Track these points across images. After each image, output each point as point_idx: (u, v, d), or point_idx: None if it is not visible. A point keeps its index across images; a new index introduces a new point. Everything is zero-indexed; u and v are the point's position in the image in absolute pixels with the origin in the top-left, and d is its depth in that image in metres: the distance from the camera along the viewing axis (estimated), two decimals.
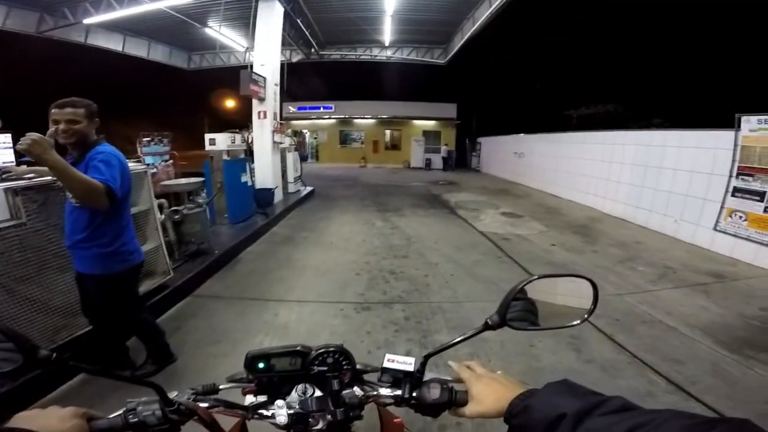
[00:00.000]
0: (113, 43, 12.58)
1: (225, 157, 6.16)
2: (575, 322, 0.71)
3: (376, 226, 6.85)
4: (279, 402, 0.69)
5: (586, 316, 0.71)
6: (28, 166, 2.50)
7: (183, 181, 4.57)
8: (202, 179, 5.10)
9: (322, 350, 0.73)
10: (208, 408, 0.68)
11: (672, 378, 2.49)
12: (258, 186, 7.28)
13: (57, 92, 1.94)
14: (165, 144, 6.24)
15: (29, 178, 2.28)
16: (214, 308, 3.51)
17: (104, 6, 9.02)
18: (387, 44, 15.02)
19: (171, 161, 5.91)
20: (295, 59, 14.79)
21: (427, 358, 0.70)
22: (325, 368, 0.72)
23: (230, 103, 22.75)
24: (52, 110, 1.85)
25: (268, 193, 7.54)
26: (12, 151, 2.50)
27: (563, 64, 19.62)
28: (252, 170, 6.95)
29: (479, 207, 8.86)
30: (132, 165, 3.35)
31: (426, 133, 21.72)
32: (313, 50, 14.74)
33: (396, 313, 3.46)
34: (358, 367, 0.76)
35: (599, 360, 2.73)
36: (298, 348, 0.73)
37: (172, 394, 0.66)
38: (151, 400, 0.64)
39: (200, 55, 16.35)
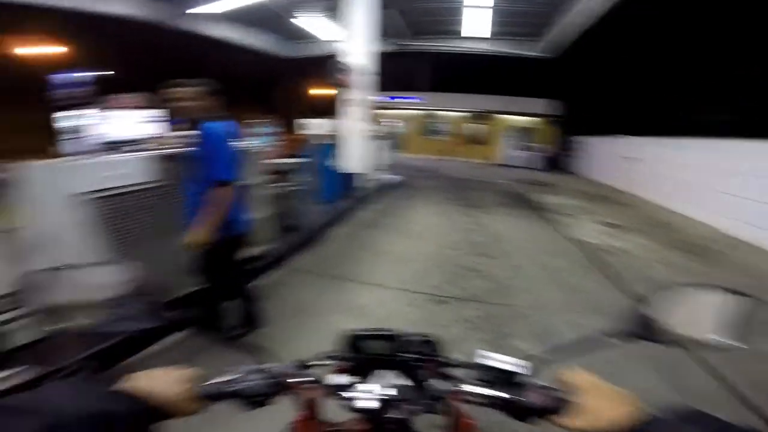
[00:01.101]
0: (228, 32, 13.99)
1: (318, 141, 6.59)
2: (725, 342, 0.60)
3: (459, 220, 6.73)
4: (364, 385, 0.67)
5: (736, 338, 0.59)
6: (168, 137, 2.95)
7: (286, 160, 5.01)
8: (301, 160, 5.53)
9: (413, 337, 0.71)
10: (301, 383, 0.69)
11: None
12: (347, 171, 7.63)
13: (177, 76, 2.21)
14: (276, 126, 6.91)
15: (164, 148, 2.70)
16: (300, 281, 3.78)
17: None
18: (483, 36, 14.45)
19: (279, 142, 6.52)
20: (386, 49, 14.98)
21: (530, 360, 0.66)
22: (413, 356, 0.70)
23: (323, 90, 23.97)
24: (170, 89, 2.15)
25: (357, 178, 7.88)
26: (159, 124, 2.93)
27: (690, 62, 16.73)
28: (341, 155, 7.30)
29: (573, 212, 8.14)
30: (246, 143, 3.73)
31: (517, 130, 20.50)
32: (404, 40, 14.77)
33: (472, 310, 3.38)
34: (446, 360, 0.73)
35: (695, 390, 2.36)
36: (392, 332, 0.71)
37: (271, 365, 0.68)
38: (257, 368, 0.66)
39: (296, 43, 17.38)
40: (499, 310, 3.40)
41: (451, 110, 21.72)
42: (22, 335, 2.35)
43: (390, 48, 15.23)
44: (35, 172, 2.51)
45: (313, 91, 24.62)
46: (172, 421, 0.57)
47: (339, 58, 7.83)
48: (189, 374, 0.62)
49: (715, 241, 6.26)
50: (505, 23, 13.04)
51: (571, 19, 11.19)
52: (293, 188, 4.63)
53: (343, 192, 7.14)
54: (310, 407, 0.75)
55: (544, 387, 0.63)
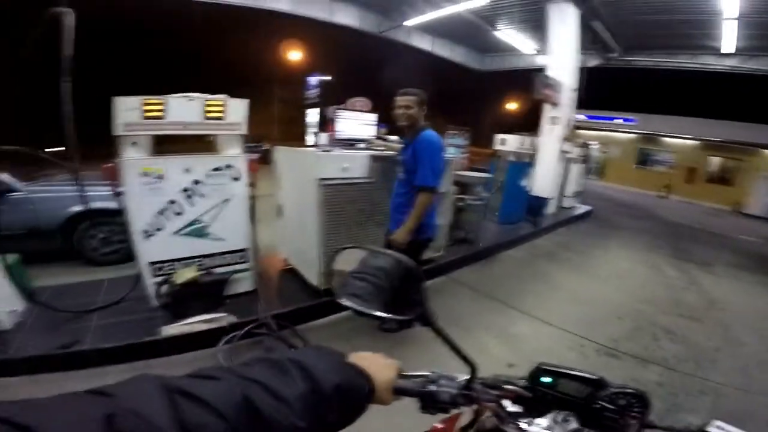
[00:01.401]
0: (425, 44, 14.80)
1: (511, 158, 6.40)
2: None
3: (666, 274, 5.41)
4: (543, 421, 0.65)
5: None
6: (381, 140, 3.43)
7: (472, 173, 5.11)
8: (487, 175, 5.53)
9: (620, 389, 0.66)
10: (487, 401, 0.69)
11: None
12: (534, 193, 7.16)
13: (388, 83, 2.46)
14: (465, 138, 7.12)
15: (381, 150, 3.15)
16: (460, 294, 3.80)
17: (419, 9, 10.77)
18: (727, 51, 11.04)
19: (466, 155, 6.71)
20: (591, 64, 13.20)
21: None
22: (613, 407, 0.65)
23: (516, 106, 23.04)
24: (397, 97, 2.39)
25: (543, 202, 7.31)
26: (375, 127, 3.44)
27: None
28: (532, 176, 6.89)
29: None
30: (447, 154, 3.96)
31: None
32: (613, 55, 12.71)
33: (648, 374, 2.78)
34: (652, 421, 0.66)
35: None
36: (596, 377, 0.67)
37: (457, 375, 0.69)
38: (453, 377, 0.68)
39: (492, 57, 17.05)
40: (685, 382, 2.70)
41: (678, 137, 17.45)
42: (236, 286, 3.10)
43: (598, 63, 13.46)
44: (287, 155, 3.36)
45: (508, 106, 24.10)
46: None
47: (538, 73, 7.38)
48: (396, 365, 0.65)
49: None
50: (758, 36, 9.68)
51: None
52: (474, 202, 4.68)
53: (525, 215, 6.75)
54: (475, 424, 0.74)
55: None
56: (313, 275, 3.21)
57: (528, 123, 8.83)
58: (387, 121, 3.24)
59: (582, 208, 9.16)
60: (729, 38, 10.27)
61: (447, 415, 0.73)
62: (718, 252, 7.42)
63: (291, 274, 3.65)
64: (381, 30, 12.94)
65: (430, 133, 2.43)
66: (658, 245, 7.20)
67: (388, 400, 0.63)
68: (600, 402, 0.66)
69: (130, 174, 2.62)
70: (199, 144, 3.02)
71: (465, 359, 0.68)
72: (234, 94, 2.90)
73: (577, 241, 6.71)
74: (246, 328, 2.67)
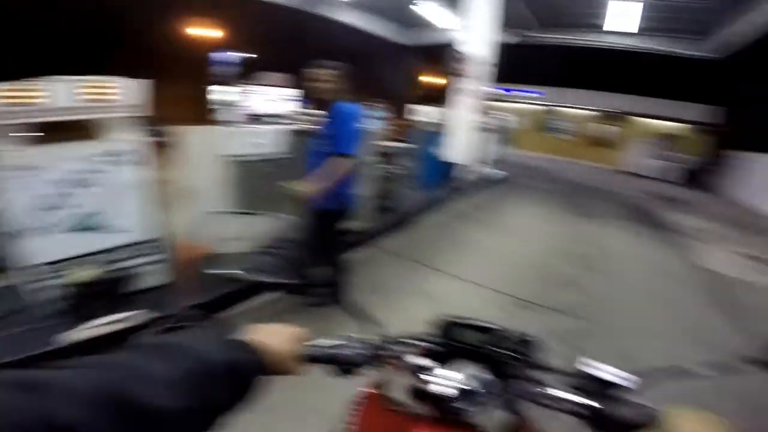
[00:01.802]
0: (352, 18, 14.60)
1: (427, 128, 6.71)
2: None
3: (567, 227, 6.24)
4: (451, 372, 0.66)
5: None
6: (300, 115, 3.35)
7: (394, 144, 5.25)
8: (409, 145, 5.73)
9: (511, 333, 0.70)
10: (390, 358, 0.71)
11: None
12: (451, 161, 7.61)
13: (306, 59, 2.44)
14: (388, 110, 7.24)
15: (299, 124, 3.09)
16: (384, 262, 3.96)
17: None
18: (627, 31, 12.66)
19: (388, 126, 6.84)
20: (508, 40, 14.13)
21: (643, 377, 0.62)
22: (509, 353, 0.69)
23: (437, 79, 23.76)
24: (313, 70, 2.38)
25: (460, 169, 7.83)
26: (295, 102, 3.35)
27: None
28: (448, 145, 7.29)
29: (711, 239, 6.80)
30: (365, 125, 4.00)
31: (657, 136, 17.57)
32: (528, 32, 13.72)
33: (558, 323, 3.20)
34: (542, 363, 0.71)
35: None
36: (490, 325, 0.71)
37: (365, 336, 0.69)
38: (360, 338, 0.68)
39: (416, 31, 17.42)
40: (589, 328, 3.16)
41: (577, 108, 19.63)
42: (146, 280, 2.89)
43: (511, 39, 14.36)
44: (192, 136, 3.13)
45: (427, 79, 24.68)
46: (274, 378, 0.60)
47: (455, 47, 7.70)
48: (299, 333, 0.64)
49: None
50: (659, 18, 11.22)
51: (752, 16, 9.07)
52: (395, 172, 4.85)
53: (443, 181, 7.17)
54: (385, 383, 0.76)
55: (637, 403, 0.59)
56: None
57: (449, 95, 9.21)
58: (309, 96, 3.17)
59: (498, 174, 9.97)
60: (630, 19, 11.59)
61: (364, 382, 0.75)
62: (607, 205, 8.72)
63: (206, 259, 3.47)
64: (305, 5, 12.37)
65: (349, 104, 2.47)
66: (560, 202, 8.25)
67: (297, 369, 0.62)
68: (500, 349, 0.70)
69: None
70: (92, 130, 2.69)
71: (370, 320, 0.69)
72: (140, 73, 2.61)
73: (491, 202, 7.37)
74: (163, 325, 2.50)
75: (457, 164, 7.81)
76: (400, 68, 23.84)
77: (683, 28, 11.94)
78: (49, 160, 2.41)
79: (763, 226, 8.96)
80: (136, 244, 2.83)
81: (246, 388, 0.51)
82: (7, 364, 2.16)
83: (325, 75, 2.37)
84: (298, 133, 3.01)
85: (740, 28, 10.26)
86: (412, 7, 12.17)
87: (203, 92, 5.26)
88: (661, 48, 13.23)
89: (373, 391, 0.76)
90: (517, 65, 15.92)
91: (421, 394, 0.67)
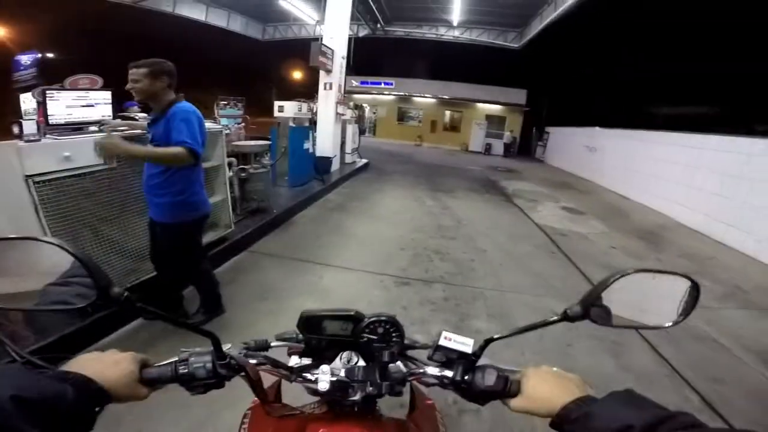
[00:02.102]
0: (197, 13, 13.40)
1: (291, 124, 6.50)
2: (666, 324, 0.63)
3: (427, 204, 6.85)
4: (324, 367, 0.66)
5: (679, 318, 0.62)
6: (122, 120, 2.84)
7: (252, 142, 4.87)
8: (268, 142, 5.41)
9: (374, 318, 0.70)
10: (256, 365, 0.67)
11: (707, 396, 2.35)
12: (318, 154, 7.55)
13: (145, 57, 2.11)
14: (239, 108, 6.68)
15: (122, 130, 2.59)
16: (266, 265, 3.75)
17: None
18: (455, 24, 14.55)
19: (243, 124, 6.33)
20: (361, 34, 14.79)
21: (487, 342, 0.65)
22: (375, 338, 0.70)
23: (298, 74, 23.42)
24: (130, 70, 2.05)
25: (327, 161, 7.84)
26: (110, 106, 2.80)
27: (653, 56, 17.56)
28: (314, 138, 7.22)
29: (538, 198, 8.48)
30: (208, 125, 3.63)
31: (489, 118, 20.95)
32: (378, 25, 14.60)
33: (435, 292, 3.49)
34: (407, 341, 0.73)
35: (637, 369, 2.60)
36: (352, 313, 0.70)
37: (225, 347, 0.64)
38: (204, 351, 0.63)
39: (274, 26, 16.93)
40: (461, 292, 3.53)
41: (424, 96, 21.81)
42: None
43: (363, 33, 15.01)
44: None
45: (292, 75, 23.99)
46: (120, 405, 0.56)
47: (315, 42, 7.65)
48: (134, 358, 0.59)
49: (667, 228, 6.70)
50: (481, 12, 13.15)
51: (548, 11, 11.41)
52: (259, 171, 4.54)
53: (311, 175, 7.09)
54: (269, 390, 0.73)
55: (496, 369, 0.63)
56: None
57: (310, 90, 9.09)
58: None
59: (361, 162, 10.34)
60: (456, 12, 13.07)
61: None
62: (457, 180, 9.95)
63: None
64: (136, 1, 10.41)
65: (184, 104, 2.16)
66: (418, 183, 9.05)
67: (139, 394, 0.58)
68: (364, 335, 0.69)
69: None
70: None
71: (200, 332, 0.62)
72: None
73: (359, 190, 7.60)
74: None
75: (324, 157, 7.82)
76: (263, 65, 22.54)
77: (499, 22, 14.17)
78: None
79: (568, 182, 11.57)
80: None
81: (65, 419, 0.46)
82: None
83: (137, 75, 2.04)
84: (128, 140, 2.53)
85: (535, 22, 12.72)
86: (278, 2, 11.51)
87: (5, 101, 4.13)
88: (481, 39, 15.53)
89: (258, 401, 0.73)
90: (369, 58, 16.83)
91: (314, 393, 0.66)
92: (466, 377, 0.64)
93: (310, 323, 0.70)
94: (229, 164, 3.99)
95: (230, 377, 0.63)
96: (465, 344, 0.65)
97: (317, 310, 0.70)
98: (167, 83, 2.13)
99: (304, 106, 7.07)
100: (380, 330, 0.70)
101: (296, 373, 0.68)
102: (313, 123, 7.78)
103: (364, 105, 20.74)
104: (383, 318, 0.70)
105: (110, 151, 1.97)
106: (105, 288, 0.53)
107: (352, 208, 6.14)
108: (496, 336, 0.65)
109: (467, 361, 0.65)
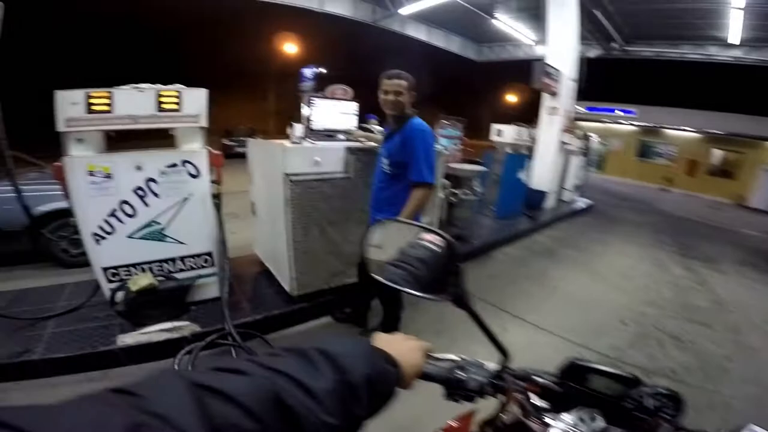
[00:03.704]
0: (421, 33, 14.56)
1: (508, 150, 6.11)
2: None
3: (673, 273, 5.14)
4: (566, 416, 0.62)
5: None
6: (363, 131, 3.13)
7: (467, 166, 4.78)
8: (483, 168, 5.21)
9: (658, 390, 0.63)
10: (516, 391, 0.66)
11: None
12: (532, 186, 6.87)
13: (378, 72, 2.15)
14: (459, 129, 6.78)
15: (362, 142, 2.84)
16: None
17: None
18: (736, 42, 10.75)
19: (461, 146, 6.38)
20: (592, 54, 12.91)
21: None
22: (645, 408, 0.62)
23: (514, 97, 22.77)
24: (384, 80, 2.08)
25: (541, 196, 7.03)
26: (356, 117, 3.13)
27: None
28: (530, 168, 6.60)
29: None
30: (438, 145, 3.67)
31: None
32: (614, 45, 12.39)
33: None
34: (688, 426, 0.62)
35: None
36: (631, 377, 0.63)
37: (486, 362, 0.67)
38: (482, 364, 0.67)
39: (489, 47, 16.77)
40: (694, 396, 2.45)
41: (680, 129, 17.12)
42: (202, 292, 2.86)
43: (593, 53, 13.12)
44: (263, 149, 3.04)
45: (506, 97, 23.72)
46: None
47: (538, 62, 7.05)
48: (423, 347, 0.62)
49: None
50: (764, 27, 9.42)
51: None
52: (467, 197, 4.37)
53: (520, 209, 6.47)
54: (497, 417, 0.70)
55: None
56: (285, 279, 2.92)
57: (526, 114, 8.53)
58: (376, 111, 2.94)
59: (582, 202, 8.87)
60: (735, 28, 9.97)
61: (468, 406, 0.70)
62: (723, 247, 7.15)
63: (266, 277, 3.35)
64: (375, 19, 12.66)
65: (420, 121, 2.13)
66: (662, 240, 6.92)
67: (410, 384, 0.58)
68: (631, 401, 0.63)
69: (76, 173, 2.36)
70: (168, 139, 2.74)
71: (499, 346, 0.67)
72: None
73: (576, 236, 6.42)
74: (208, 339, 2.45)
75: (538, 190, 7.05)
76: (478, 86, 23.31)
77: None
78: (124, 168, 2.47)
79: None
80: (192, 256, 2.80)
81: (382, 401, 0.50)
82: (63, 359, 2.31)
83: (398, 86, 2.06)
84: (358, 151, 2.75)
85: None
86: (490, 21, 11.75)
87: (290, 107, 5.44)
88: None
89: (462, 422, 0.74)
90: (603, 81, 14.41)
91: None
92: None
93: (574, 370, 0.66)
94: (443, 186, 3.96)
95: (491, 395, 0.66)
96: None
97: (588, 361, 0.66)
98: (414, 98, 2.13)
99: (524, 132, 6.53)
100: (654, 402, 0.62)
101: (539, 411, 0.65)
102: (531, 151, 7.13)
103: (592, 135, 18.05)
104: (664, 391, 0.63)
105: None
106: (459, 292, 0.66)
107: (562, 256, 5.23)
108: None
109: None
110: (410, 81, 2.09)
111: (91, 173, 2.41)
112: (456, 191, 4.30)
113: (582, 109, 18.35)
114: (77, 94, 2.30)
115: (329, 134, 2.97)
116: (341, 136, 2.98)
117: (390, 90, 2.06)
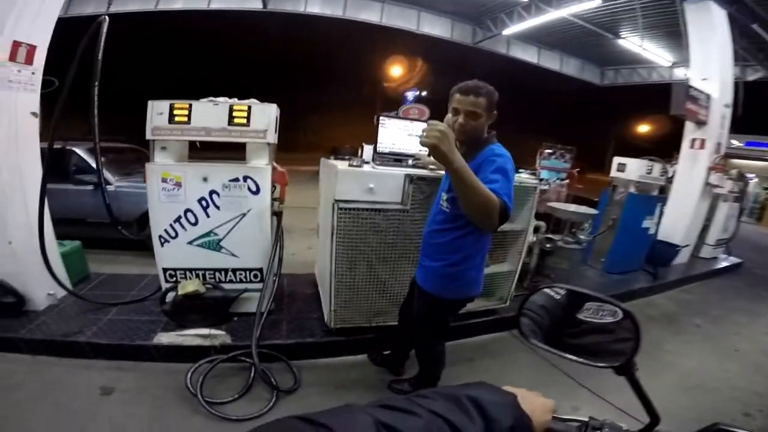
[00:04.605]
0: (529, 55, 13.57)
1: (631, 189, 4.96)
2: None
3: None
4: None
5: None
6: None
7: (573, 207, 3.94)
8: (594, 211, 4.26)
9: None
10: None
11: None
12: (660, 237, 5.53)
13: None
14: (566, 160, 5.78)
15: (431, 170, 2.45)
16: (518, 357, 2.91)
17: (516, 17, 9.69)
18: None
19: (567, 181, 5.38)
20: (750, 77, 10.22)
21: None
22: None
23: (645, 127, 19.64)
24: (455, 95, 1.62)
25: (672, 250, 5.58)
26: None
27: None
28: (661, 214, 5.30)
29: None
30: (524, 177, 3.07)
31: None
32: None
33: None
34: None
35: None
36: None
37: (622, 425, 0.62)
38: (620, 427, 0.62)
39: (615, 70, 14.98)
40: None
41: None
42: (246, 305, 2.83)
43: (752, 76, 10.43)
44: (326, 170, 2.88)
45: (633, 126, 20.63)
46: None
47: (683, 85, 5.66)
48: (552, 405, 0.60)
49: None
50: None
51: None
52: (567, 246, 3.58)
53: (640, 264, 5.21)
54: None
55: None
56: (326, 309, 2.73)
57: (660, 147, 7.03)
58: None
59: (727, 260, 6.90)
60: None
61: None
62: None
63: (315, 300, 3.18)
64: (476, 41, 12.23)
65: (498, 146, 1.63)
66: None
67: None
68: None
69: (152, 179, 2.52)
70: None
71: (651, 411, 0.67)
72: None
73: (711, 301, 4.93)
74: (231, 354, 2.45)
75: (668, 243, 5.65)
76: (598, 113, 20.84)
77: None
78: (192, 178, 2.55)
79: None
80: (243, 269, 2.79)
81: None
82: (102, 345, 2.47)
83: (475, 105, 1.57)
84: (420, 180, 2.37)
85: None
86: (615, 41, 10.30)
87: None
88: None
89: None
90: (763, 110, 11.16)
91: None
92: None
93: None
94: (536, 228, 3.30)
95: None
96: None
97: (737, 426, 0.60)
98: (494, 118, 1.67)
99: (656, 168, 5.24)
100: None
101: None
102: (662, 191, 5.74)
103: (749, 175, 14.20)
104: None
105: (444, 145, 1.30)
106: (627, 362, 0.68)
107: (686, 325, 4.02)
108: None
109: None
110: (491, 98, 1.60)
111: (164, 180, 2.52)
112: (554, 237, 3.55)
113: (738, 143, 14.73)
114: (163, 105, 2.44)
115: (398, 158, 2.67)
116: (411, 162, 2.64)
117: (463, 109, 1.59)
